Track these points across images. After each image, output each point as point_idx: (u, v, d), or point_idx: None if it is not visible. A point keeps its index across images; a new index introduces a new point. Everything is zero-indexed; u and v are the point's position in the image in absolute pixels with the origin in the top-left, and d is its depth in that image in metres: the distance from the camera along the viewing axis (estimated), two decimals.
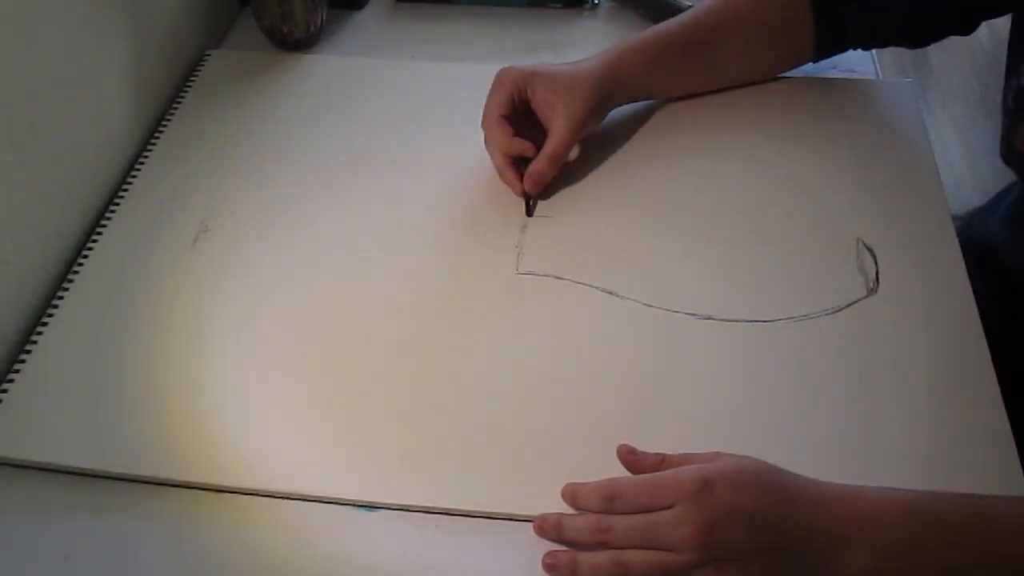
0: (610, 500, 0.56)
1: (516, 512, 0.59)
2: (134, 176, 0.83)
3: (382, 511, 0.60)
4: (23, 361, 0.68)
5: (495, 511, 0.60)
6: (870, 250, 0.74)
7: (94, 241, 0.77)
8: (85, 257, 0.76)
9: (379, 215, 0.79)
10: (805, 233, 0.75)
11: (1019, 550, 0.53)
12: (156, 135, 0.87)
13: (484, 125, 0.79)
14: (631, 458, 0.60)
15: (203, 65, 0.95)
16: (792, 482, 0.55)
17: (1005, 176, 0.91)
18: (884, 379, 0.65)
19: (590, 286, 0.72)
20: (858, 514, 0.53)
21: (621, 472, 0.60)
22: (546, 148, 0.77)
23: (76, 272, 0.75)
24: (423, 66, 0.94)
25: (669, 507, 0.53)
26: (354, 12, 1.03)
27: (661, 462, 0.59)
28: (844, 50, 0.84)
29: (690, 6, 0.97)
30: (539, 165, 0.76)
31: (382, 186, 0.81)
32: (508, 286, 0.73)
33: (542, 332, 0.69)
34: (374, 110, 0.89)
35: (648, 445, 0.62)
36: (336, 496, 0.61)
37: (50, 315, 0.71)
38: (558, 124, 0.76)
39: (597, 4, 1.02)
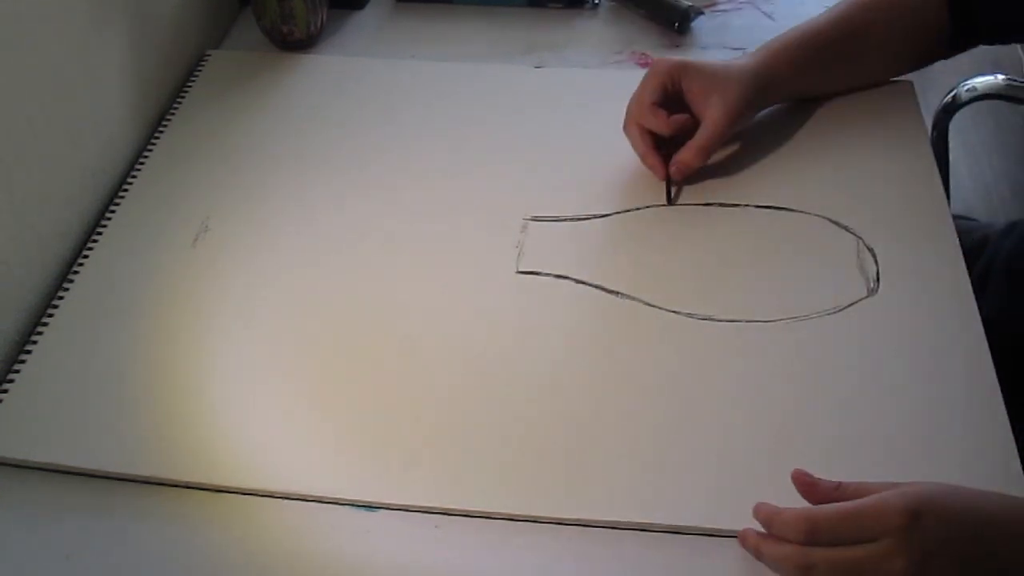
0: (810, 533, 0.53)
1: (515, 512, 0.59)
2: (134, 176, 0.83)
3: (382, 511, 0.60)
4: (23, 361, 0.68)
5: (495, 511, 0.59)
6: (870, 250, 0.73)
7: (94, 241, 0.77)
8: (85, 257, 0.76)
9: (379, 215, 0.79)
10: (805, 233, 0.75)
11: None
12: (156, 135, 0.87)
13: (633, 111, 0.78)
14: (807, 481, 0.56)
15: (203, 65, 0.95)
16: (982, 506, 0.54)
17: (1004, 176, 0.91)
18: (884, 379, 0.65)
19: (590, 286, 0.72)
20: None
21: (623, 471, 0.60)
22: (698, 138, 0.76)
23: (76, 272, 0.75)
24: (423, 66, 0.94)
25: (873, 539, 0.51)
26: (354, 12, 1.03)
27: (836, 488, 0.55)
28: (976, 44, 0.83)
29: (689, 5, 0.97)
30: (688, 155, 0.76)
31: (382, 186, 0.81)
32: (508, 286, 0.73)
33: (542, 332, 0.69)
34: (374, 110, 0.89)
35: (647, 445, 0.62)
36: (336, 496, 0.60)
37: (50, 315, 0.71)
38: (713, 115, 0.75)
39: (597, 4, 1.02)
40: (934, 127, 0.95)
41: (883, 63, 0.84)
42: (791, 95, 0.82)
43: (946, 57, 0.84)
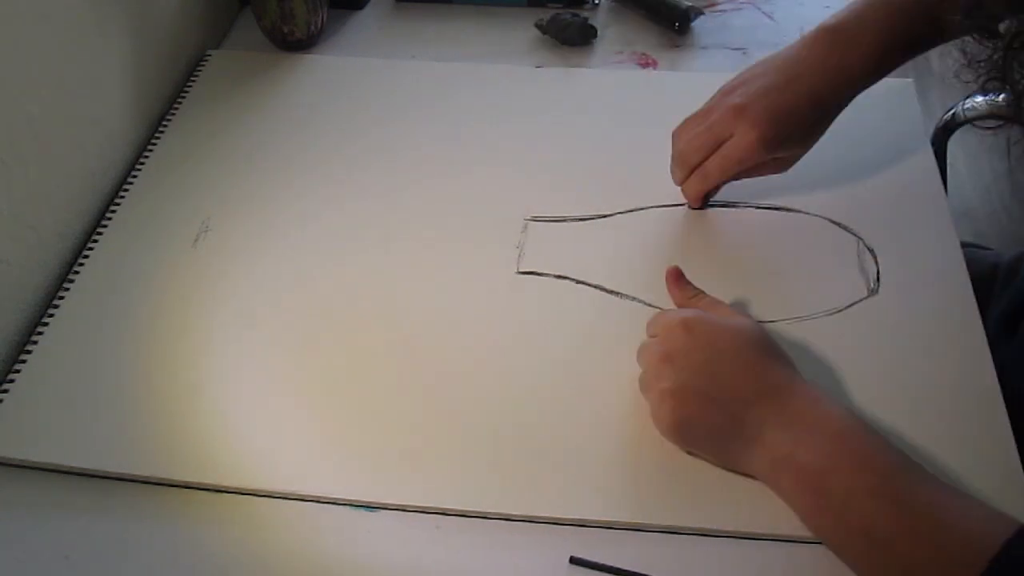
0: (648, 326, 0.64)
1: (515, 512, 0.59)
2: (134, 176, 0.83)
3: (382, 511, 0.60)
4: (23, 361, 0.68)
5: (495, 511, 0.59)
6: (871, 251, 0.74)
7: (94, 241, 0.77)
8: (85, 257, 0.76)
9: (379, 215, 0.79)
10: (805, 233, 0.75)
11: (894, 526, 0.53)
12: (156, 135, 0.87)
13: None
14: (675, 282, 0.68)
15: (203, 65, 0.95)
16: (776, 361, 0.60)
17: (1004, 176, 0.91)
18: (884, 379, 0.65)
19: (590, 286, 0.72)
20: (803, 418, 0.57)
21: (623, 471, 0.61)
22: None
23: (76, 272, 0.75)
24: (423, 66, 0.94)
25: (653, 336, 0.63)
26: (354, 12, 1.03)
27: (696, 295, 0.67)
28: None
29: (689, 5, 0.97)
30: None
31: (382, 186, 0.81)
32: (508, 286, 0.73)
33: (542, 332, 0.69)
34: (374, 110, 0.89)
35: (648, 444, 0.62)
36: (336, 496, 0.61)
37: (50, 315, 0.71)
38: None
39: (597, 4, 1.02)
40: (932, 144, 0.94)
41: None
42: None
43: None
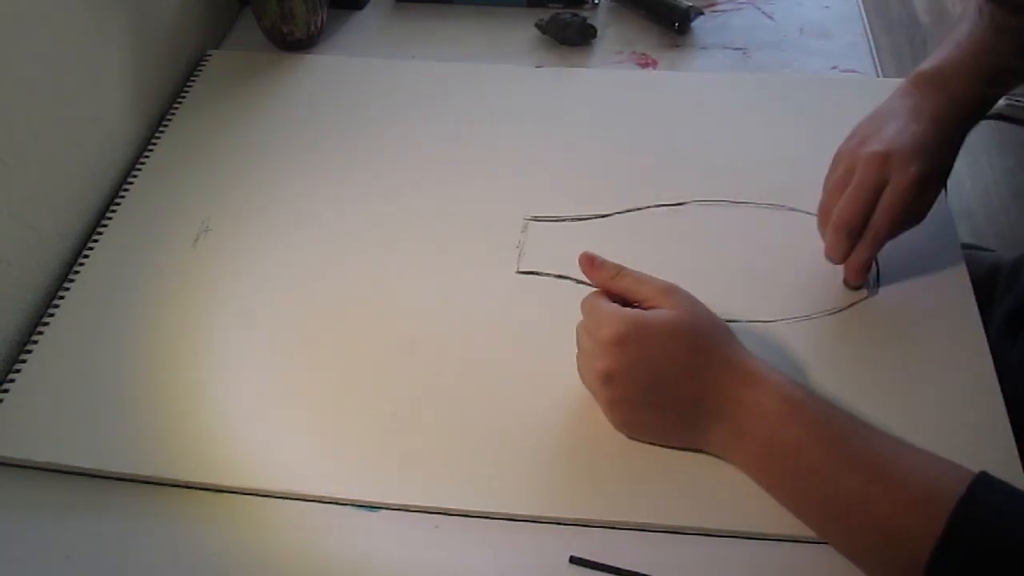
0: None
1: (516, 512, 0.59)
2: (134, 176, 0.83)
3: (382, 511, 0.60)
4: (23, 361, 0.68)
5: (495, 511, 0.60)
6: None
7: (94, 241, 0.77)
8: (85, 257, 0.76)
9: (379, 215, 0.79)
10: (805, 233, 0.75)
11: (854, 487, 0.54)
12: (156, 135, 0.87)
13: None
14: (589, 266, 0.64)
15: (203, 65, 0.95)
16: (712, 351, 0.60)
17: (1004, 176, 0.91)
18: (884, 379, 0.65)
19: (591, 286, 0.72)
20: (748, 400, 0.58)
21: (623, 471, 0.61)
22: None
23: (76, 272, 0.75)
24: (423, 66, 0.94)
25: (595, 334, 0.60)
26: (354, 12, 1.03)
27: (616, 275, 0.63)
28: None
29: (689, 5, 0.97)
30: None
31: (382, 186, 0.81)
32: (508, 286, 0.73)
33: (542, 332, 0.69)
34: (374, 110, 0.89)
35: (647, 445, 0.62)
36: (336, 496, 0.61)
37: (50, 315, 0.71)
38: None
39: (597, 4, 1.02)
40: None
41: None
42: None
43: None
